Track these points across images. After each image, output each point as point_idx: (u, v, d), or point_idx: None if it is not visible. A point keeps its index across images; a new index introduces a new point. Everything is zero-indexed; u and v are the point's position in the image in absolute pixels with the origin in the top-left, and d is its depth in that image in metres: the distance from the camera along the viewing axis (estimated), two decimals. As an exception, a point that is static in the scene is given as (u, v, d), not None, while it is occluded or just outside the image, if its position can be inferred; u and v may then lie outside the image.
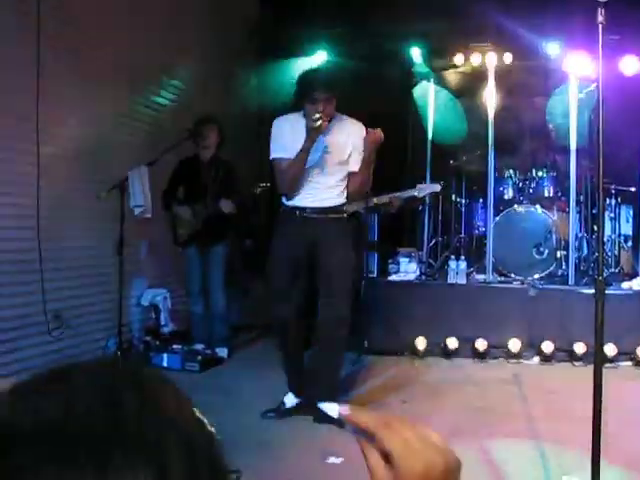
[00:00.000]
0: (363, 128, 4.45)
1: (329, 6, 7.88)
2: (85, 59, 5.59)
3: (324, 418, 4.25)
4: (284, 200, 4.54)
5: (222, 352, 6.08)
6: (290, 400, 4.55)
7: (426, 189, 5.75)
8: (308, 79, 4.48)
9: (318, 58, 8.23)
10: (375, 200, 6.22)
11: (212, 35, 7.58)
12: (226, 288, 6.26)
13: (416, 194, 5.65)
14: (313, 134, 4.23)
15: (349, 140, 4.45)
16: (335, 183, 4.49)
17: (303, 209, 4.44)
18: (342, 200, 4.54)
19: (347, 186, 4.52)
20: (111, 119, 5.98)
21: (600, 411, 2.64)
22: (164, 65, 6.77)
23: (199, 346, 6.01)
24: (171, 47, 6.78)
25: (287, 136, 4.38)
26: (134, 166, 5.81)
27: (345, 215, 4.62)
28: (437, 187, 6.01)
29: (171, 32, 6.77)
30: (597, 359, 2.54)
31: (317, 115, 4.16)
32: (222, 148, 6.15)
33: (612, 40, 7.16)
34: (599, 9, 2.46)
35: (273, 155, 4.46)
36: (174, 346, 5.88)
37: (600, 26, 2.48)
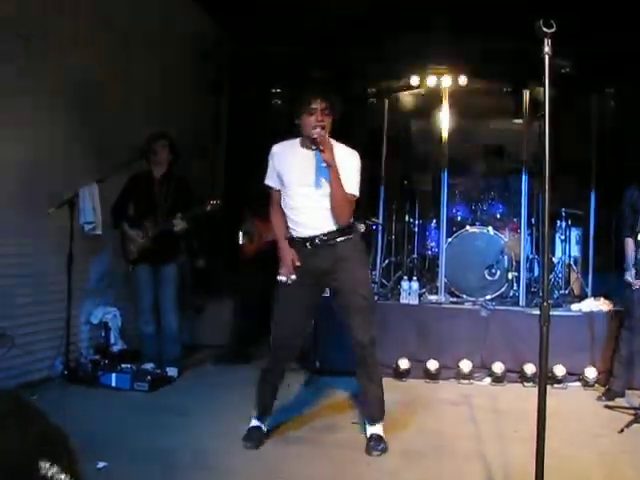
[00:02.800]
0: (357, 156, 4.30)
1: (284, 27, 7.89)
2: (36, 75, 5.51)
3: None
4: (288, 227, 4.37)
5: (172, 372, 5.99)
6: (255, 423, 4.44)
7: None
8: (305, 90, 4.32)
9: (273, 78, 8.26)
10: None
11: (167, 52, 7.54)
12: (178, 307, 6.17)
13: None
14: (315, 146, 4.07)
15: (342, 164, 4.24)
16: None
17: (311, 239, 4.26)
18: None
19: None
20: (61, 134, 5.89)
21: (543, 433, 2.66)
22: (118, 81, 6.70)
23: (149, 365, 5.91)
24: (123, 62, 6.73)
25: (284, 160, 4.26)
26: (84, 183, 5.74)
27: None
28: (361, 227, 6.09)
29: (125, 48, 6.73)
30: (540, 386, 2.55)
31: (319, 122, 4.07)
32: (175, 164, 6.09)
33: (563, 66, 7.38)
34: (545, 40, 2.50)
35: (269, 182, 4.36)
36: (123, 365, 5.76)
37: (546, 56, 2.51)
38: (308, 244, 4.24)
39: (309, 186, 4.17)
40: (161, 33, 7.37)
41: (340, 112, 4.20)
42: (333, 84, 7.81)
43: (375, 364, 4.40)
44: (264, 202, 6.59)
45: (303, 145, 4.23)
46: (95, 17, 6.22)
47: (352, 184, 4.19)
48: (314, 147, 4.05)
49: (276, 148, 4.33)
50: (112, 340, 6.37)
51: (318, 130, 4.02)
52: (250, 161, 8.13)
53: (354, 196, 4.22)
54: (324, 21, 7.80)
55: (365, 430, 4.36)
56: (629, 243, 5.43)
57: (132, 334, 6.49)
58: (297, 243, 4.29)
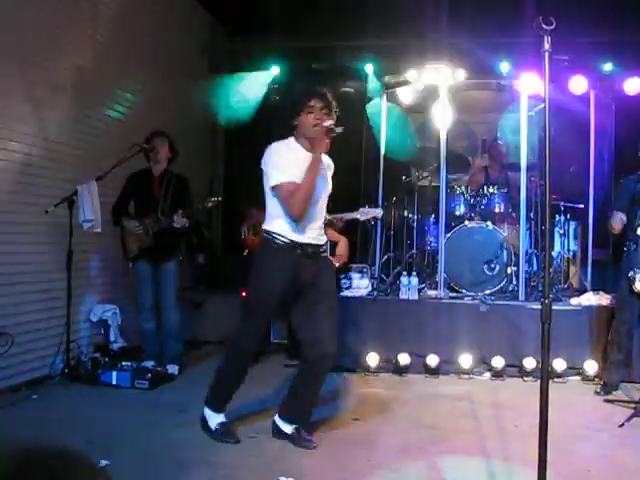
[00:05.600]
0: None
1: (282, 22, 7.88)
2: (35, 72, 5.51)
3: (280, 434, 4.29)
4: (278, 231, 4.12)
5: (173, 369, 5.99)
6: (220, 419, 4.41)
7: (369, 213, 5.75)
8: (303, 89, 4.28)
9: (271, 73, 8.25)
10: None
11: (165, 50, 7.54)
12: (178, 304, 6.17)
13: (358, 217, 5.66)
14: (318, 140, 4.02)
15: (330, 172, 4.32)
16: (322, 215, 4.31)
17: (306, 245, 4.15)
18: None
19: None
20: (61, 133, 5.90)
21: (546, 429, 2.66)
22: (117, 80, 6.71)
23: (149, 363, 5.91)
24: (124, 62, 6.73)
25: (290, 160, 4.06)
26: (83, 180, 5.74)
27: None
28: (379, 212, 6.04)
29: (124, 48, 6.73)
30: (543, 384, 2.56)
31: (318, 121, 4.01)
32: (174, 162, 6.10)
33: (562, 61, 7.38)
34: (545, 37, 2.49)
35: (280, 179, 4.01)
36: (123, 363, 5.76)
37: (546, 54, 2.51)
38: (299, 250, 4.13)
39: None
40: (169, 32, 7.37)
41: (338, 112, 4.12)
42: (331, 80, 7.83)
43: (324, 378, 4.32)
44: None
45: (301, 146, 4.16)
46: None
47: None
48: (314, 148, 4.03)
49: (278, 145, 4.16)
50: (112, 338, 6.38)
51: (330, 122, 3.99)
52: (249, 159, 8.21)
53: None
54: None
55: (282, 426, 4.32)
56: (617, 219, 5.39)
57: (132, 331, 6.50)
58: (285, 248, 4.11)
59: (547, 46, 2.49)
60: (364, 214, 5.78)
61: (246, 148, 8.34)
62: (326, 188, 4.25)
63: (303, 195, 4.00)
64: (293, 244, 4.10)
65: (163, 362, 6.00)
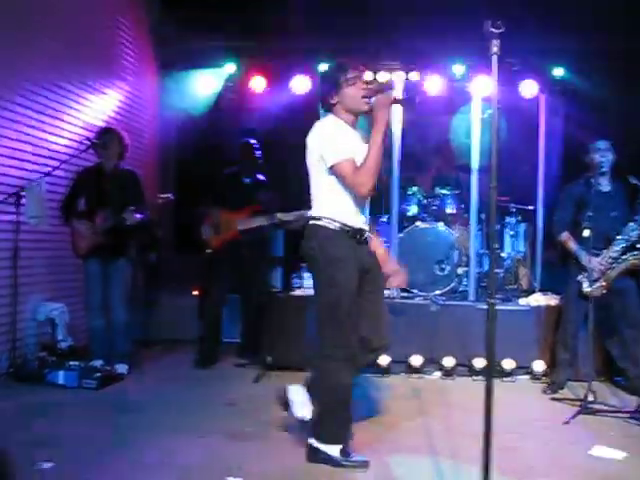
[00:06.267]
0: None
1: (235, 20, 7.84)
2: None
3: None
4: (333, 215, 3.76)
5: (122, 368, 5.92)
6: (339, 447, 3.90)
7: None
8: (335, 65, 3.89)
9: (225, 71, 8.20)
10: (280, 217, 6.23)
11: (114, 46, 7.45)
12: (128, 303, 6.10)
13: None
14: (378, 108, 3.67)
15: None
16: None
17: (361, 231, 3.86)
18: None
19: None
20: (9, 128, 5.78)
21: (490, 427, 2.70)
22: (65, 76, 6.59)
23: (97, 362, 5.83)
24: (73, 58, 6.63)
25: (343, 137, 3.73)
26: (31, 176, 5.65)
27: None
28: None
29: (72, 41, 6.62)
30: (488, 382, 2.59)
31: (364, 91, 3.72)
32: (123, 158, 6.02)
33: (512, 64, 7.50)
34: (493, 40, 2.53)
35: (340, 157, 3.64)
36: (71, 362, 5.66)
37: (494, 57, 2.54)
38: (358, 235, 3.83)
39: None
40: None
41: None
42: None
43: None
44: (226, 192, 6.57)
45: (344, 122, 3.83)
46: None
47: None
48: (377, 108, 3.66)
49: (328, 123, 3.81)
50: (59, 337, 6.25)
51: (390, 92, 3.68)
52: (203, 154, 8.16)
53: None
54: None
55: None
56: (569, 237, 5.52)
57: (81, 330, 6.39)
58: (344, 235, 3.76)
59: (495, 49, 2.52)
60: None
61: (199, 146, 8.33)
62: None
63: (372, 168, 3.62)
64: (351, 229, 3.78)
65: (112, 362, 5.92)
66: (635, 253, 5.32)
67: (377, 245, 4.12)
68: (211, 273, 6.61)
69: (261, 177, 6.73)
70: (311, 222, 3.81)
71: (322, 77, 4.07)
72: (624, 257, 5.32)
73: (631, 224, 5.31)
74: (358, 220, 3.82)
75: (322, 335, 3.78)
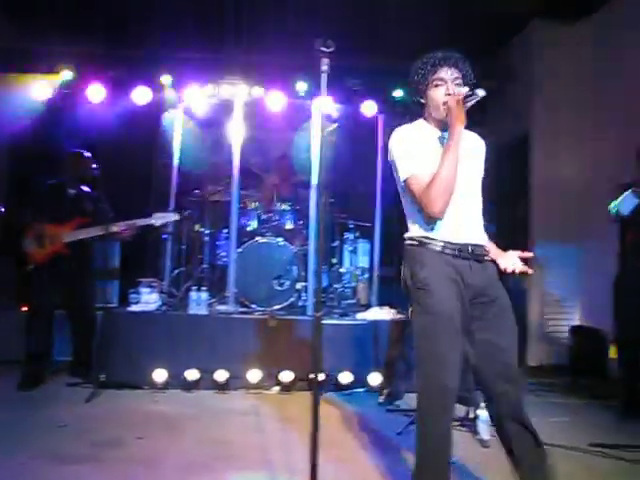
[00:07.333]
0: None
1: (76, 24, 7.58)
2: None
3: None
4: (418, 234, 3.23)
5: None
6: None
7: (164, 218, 5.65)
8: (426, 59, 3.29)
9: (61, 76, 7.85)
10: (108, 228, 6.04)
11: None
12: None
13: (153, 222, 5.54)
14: (453, 114, 3.12)
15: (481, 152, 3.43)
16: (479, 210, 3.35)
17: (466, 247, 3.20)
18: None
19: None
20: None
21: (316, 440, 2.78)
22: None
23: None
24: None
25: (421, 145, 3.22)
26: None
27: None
28: (175, 216, 5.95)
29: None
30: (314, 392, 2.63)
31: (448, 96, 3.16)
32: None
33: (353, 85, 7.70)
34: (322, 59, 2.57)
35: (411, 170, 3.15)
36: None
37: (324, 75, 2.59)
38: (456, 251, 3.20)
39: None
40: None
41: (472, 80, 3.26)
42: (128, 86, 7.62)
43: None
44: (49, 203, 6.27)
45: (433, 126, 3.33)
46: None
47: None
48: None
49: (402, 130, 3.29)
50: None
51: (463, 90, 3.14)
52: (35, 164, 7.77)
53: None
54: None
55: None
56: None
57: None
58: (433, 251, 3.19)
59: (324, 68, 2.57)
60: (159, 219, 5.66)
61: (32, 155, 7.94)
62: (478, 172, 3.36)
63: (442, 184, 3.08)
64: (449, 246, 3.19)
65: None
66: None
67: (495, 252, 3.41)
68: (34, 288, 6.28)
69: (86, 188, 6.47)
70: (407, 244, 3.29)
71: (412, 75, 3.38)
72: None
73: None
74: (461, 235, 3.20)
75: (417, 372, 3.20)
